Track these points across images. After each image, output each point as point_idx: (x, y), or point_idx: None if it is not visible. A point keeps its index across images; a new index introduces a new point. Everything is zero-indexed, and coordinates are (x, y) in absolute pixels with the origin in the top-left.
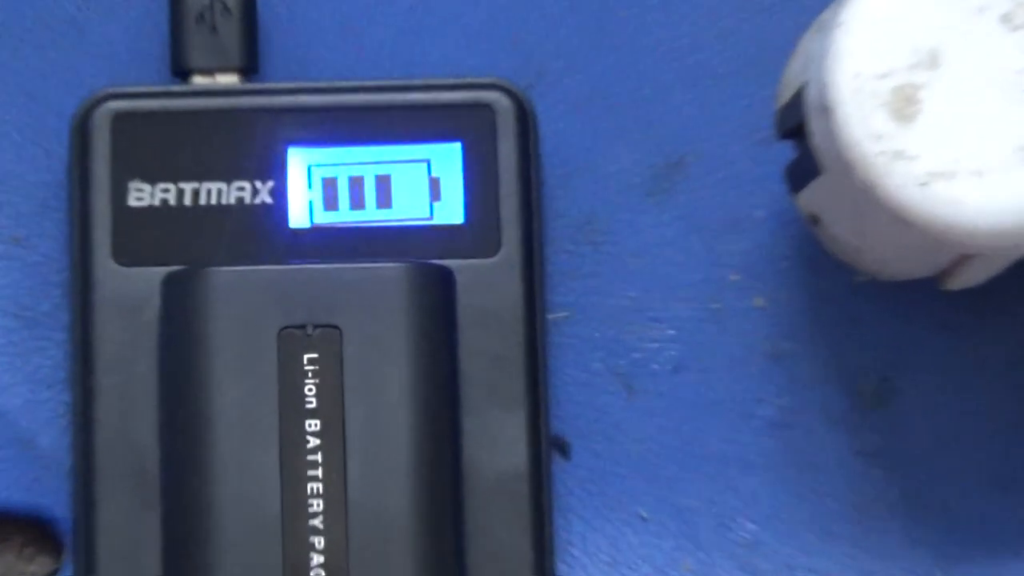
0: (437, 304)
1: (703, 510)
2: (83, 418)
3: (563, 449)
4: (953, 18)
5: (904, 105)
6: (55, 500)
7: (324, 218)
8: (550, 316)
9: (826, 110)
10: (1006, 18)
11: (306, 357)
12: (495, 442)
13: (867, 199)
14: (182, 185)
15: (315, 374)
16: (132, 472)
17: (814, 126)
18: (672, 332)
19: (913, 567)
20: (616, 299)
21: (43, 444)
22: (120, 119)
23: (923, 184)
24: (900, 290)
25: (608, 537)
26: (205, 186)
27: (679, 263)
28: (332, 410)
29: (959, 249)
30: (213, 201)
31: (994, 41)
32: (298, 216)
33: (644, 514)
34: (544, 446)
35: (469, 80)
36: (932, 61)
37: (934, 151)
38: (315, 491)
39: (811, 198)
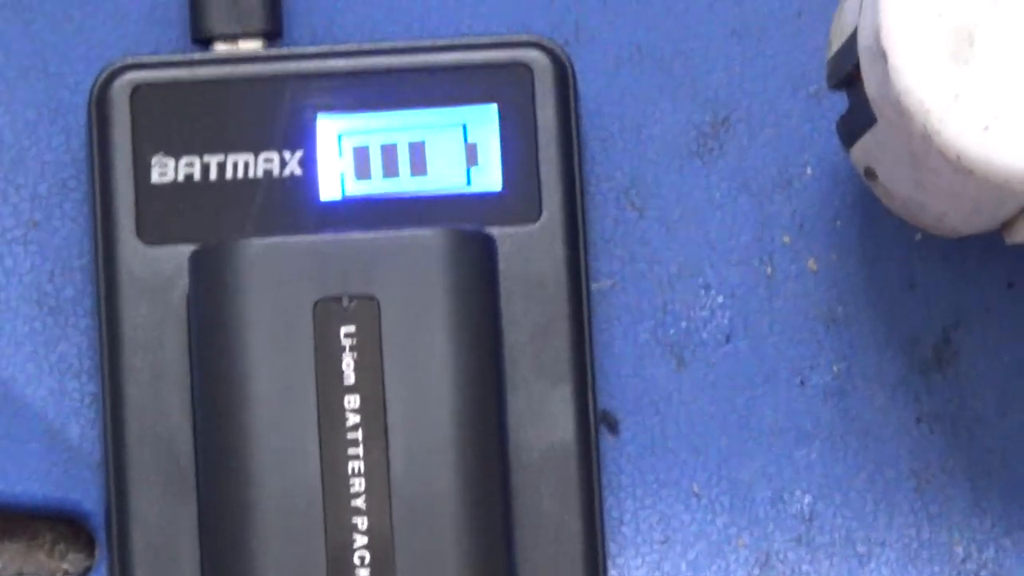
0: (479, 272)
1: (757, 484)
2: (112, 406)
3: (611, 424)
4: None
5: (962, 46)
6: (85, 494)
7: (356, 188)
8: (594, 285)
9: (880, 55)
10: None
11: (343, 330)
12: (540, 416)
13: (925, 147)
14: (207, 158)
15: (353, 348)
16: (165, 459)
17: (867, 73)
18: (722, 299)
19: (976, 536)
20: (663, 266)
21: (71, 436)
22: (139, 91)
23: (985, 128)
24: (961, 247)
25: (660, 514)
26: (231, 158)
27: (728, 226)
28: (372, 385)
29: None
30: (240, 174)
31: None
32: (329, 187)
33: (696, 490)
34: (591, 420)
35: (504, 38)
36: None
37: (995, 93)
38: (356, 470)
39: (866, 151)
